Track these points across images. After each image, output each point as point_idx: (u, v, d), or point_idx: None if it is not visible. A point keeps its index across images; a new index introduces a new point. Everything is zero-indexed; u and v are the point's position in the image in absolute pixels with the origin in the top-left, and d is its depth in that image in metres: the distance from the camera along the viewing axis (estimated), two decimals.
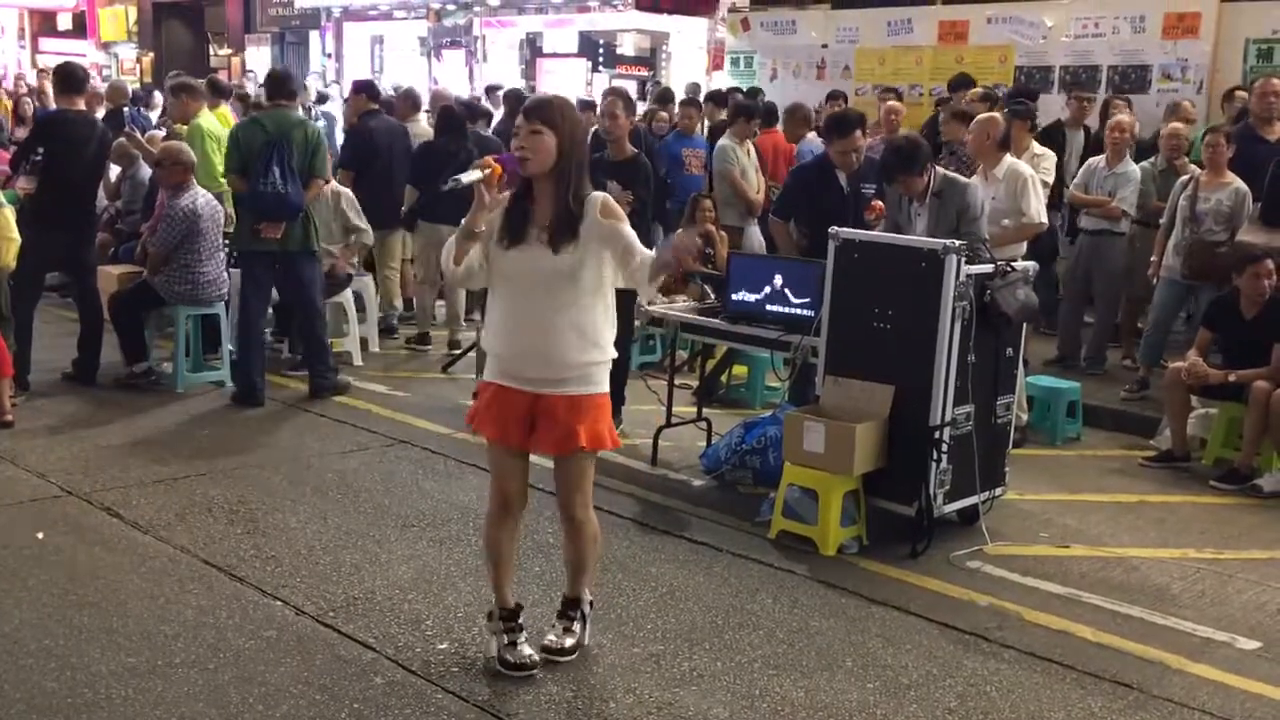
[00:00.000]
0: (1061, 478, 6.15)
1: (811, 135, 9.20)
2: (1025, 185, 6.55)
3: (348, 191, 7.94)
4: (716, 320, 5.88)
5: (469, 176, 3.45)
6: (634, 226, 6.42)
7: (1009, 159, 6.77)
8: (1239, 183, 7.17)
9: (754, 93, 10.95)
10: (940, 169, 5.91)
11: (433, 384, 7.61)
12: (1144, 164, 7.95)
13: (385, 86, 13.47)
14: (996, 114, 7.05)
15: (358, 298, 8.23)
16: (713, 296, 6.46)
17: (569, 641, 3.84)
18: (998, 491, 5.30)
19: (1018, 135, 7.28)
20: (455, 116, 8.51)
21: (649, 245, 3.60)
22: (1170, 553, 5.10)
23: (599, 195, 3.63)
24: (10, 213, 5.83)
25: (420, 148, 8.59)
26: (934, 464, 4.88)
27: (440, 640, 3.96)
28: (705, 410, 6.44)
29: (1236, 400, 6.16)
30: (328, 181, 7.36)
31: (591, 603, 3.95)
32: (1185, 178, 7.31)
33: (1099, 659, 4.02)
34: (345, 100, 10.91)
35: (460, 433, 6.45)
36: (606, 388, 3.69)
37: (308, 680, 3.65)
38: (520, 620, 3.82)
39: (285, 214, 6.67)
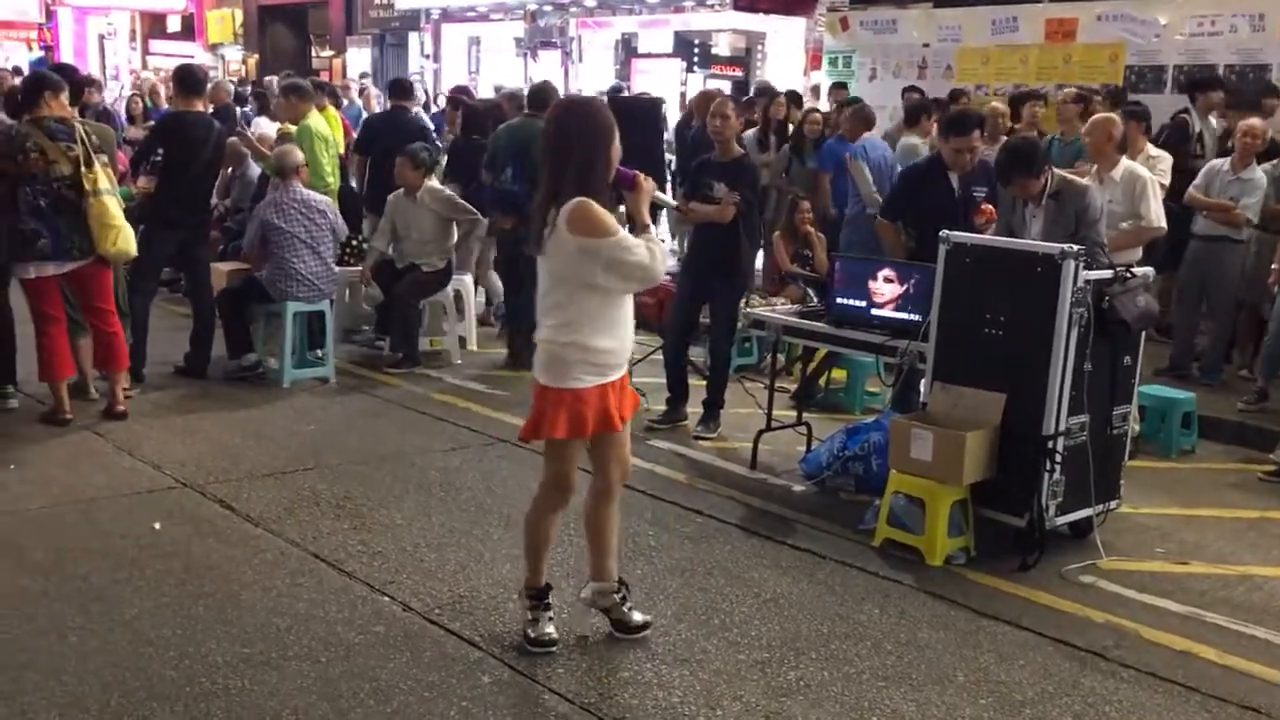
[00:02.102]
0: (1177, 491, 5.94)
1: (868, 134, 8.98)
2: (1144, 188, 6.36)
3: (435, 186, 7.98)
4: (820, 324, 5.80)
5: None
6: (742, 227, 6.47)
7: (1126, 161, 6.58)
8: None
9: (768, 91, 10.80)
10: (1058, 170, 5.75)
11: (530, 384, 7.62)
12: (1265, 166, 7.64)
13: (484, 87, 13.61)
14: (1115, 115, 6.84)
15: (456, 296, 8.32)
16: (815, 299, 6.39)
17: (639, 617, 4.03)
18: (1112, 505, 5.14)
19: (1133, 137, 7.07)
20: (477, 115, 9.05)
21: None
22: None
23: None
24: (112, 201, 5.99)
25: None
26: (1046, 474, 4.75)
27: None
28: (805, 414, 6.36)
29: None
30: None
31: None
32: None
33: (1224, 681, 3.87)
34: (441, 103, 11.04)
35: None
36: None
37: (416, 677, 3.68)
38: (550, 599, 4.00)
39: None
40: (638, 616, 4.04)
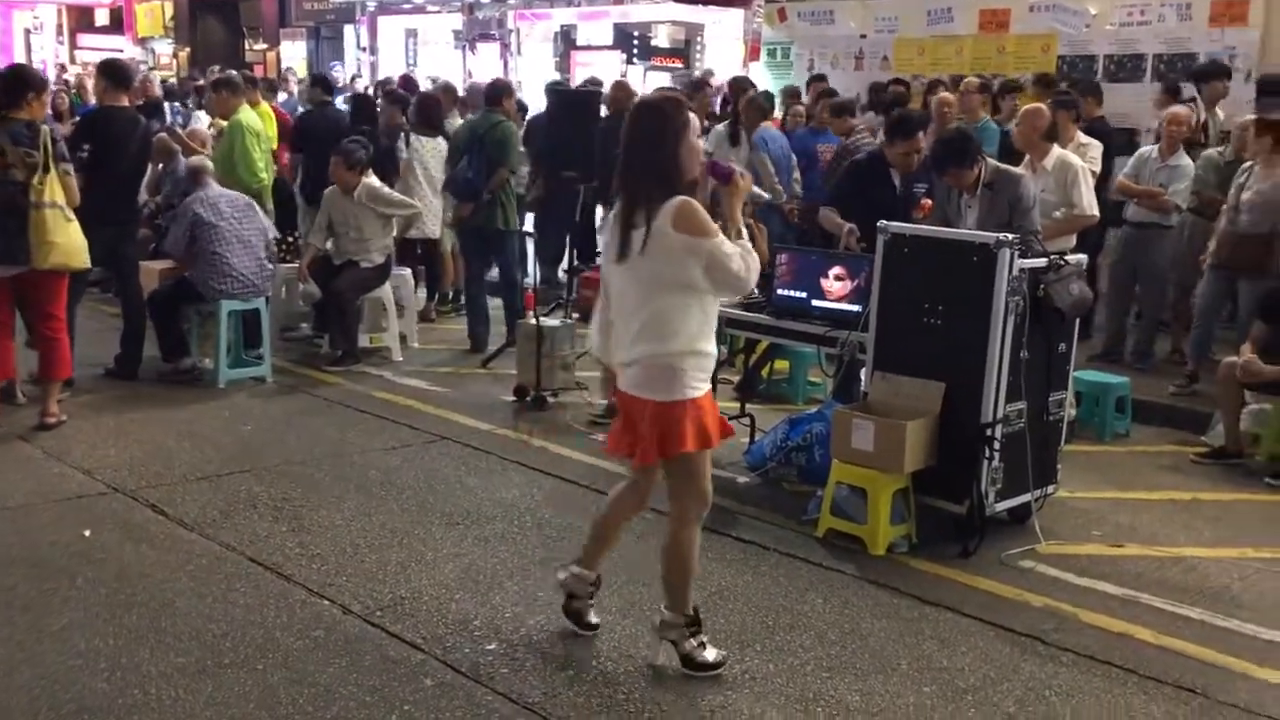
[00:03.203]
0: (1112, 475, 6.04)
1: (766, 124, 9.01)
2: (1076, 176, 6.45)
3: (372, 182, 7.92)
4: (762, 315, 5.81)
5: None
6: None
7: (1057, 150, 6.66)
8: None
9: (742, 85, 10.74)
10: (991, 160, 5.80)
11: (473, 380, 7.58)
12: (1210, 152, 7.76)
13: (421, 80, 13.48)
14: (1043, 105, 6.92)
15: (397, 292, 8.23)
16: (755, 291, 6.37)
17: (709, 654, 3.79)
18: (1050, 489, 5.21)
19: (1063, 125, 7.16)
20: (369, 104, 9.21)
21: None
22: (1228, 552, 4.98)
23: None
24: (55, 215, 5.85)
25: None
26: (986, 462, 4.79)
27: (489, 641, 3.92)
28: (749, 406, 6.37)
29: None
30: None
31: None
32: (1245, 166, 7.14)
33: (1160, 663, 3.93)
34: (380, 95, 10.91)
35: (502, 429, 6.44)
36: None
37: (357, 681, 3.62)
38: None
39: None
40: (709, 653, 3.80)
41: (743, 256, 3.49)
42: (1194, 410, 6.91)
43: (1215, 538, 5.18)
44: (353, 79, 17.59)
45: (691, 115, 3.60)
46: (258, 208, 7.50)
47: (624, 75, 14.46)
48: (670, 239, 3.46)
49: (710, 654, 3.75)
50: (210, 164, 7.81)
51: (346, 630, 3.97)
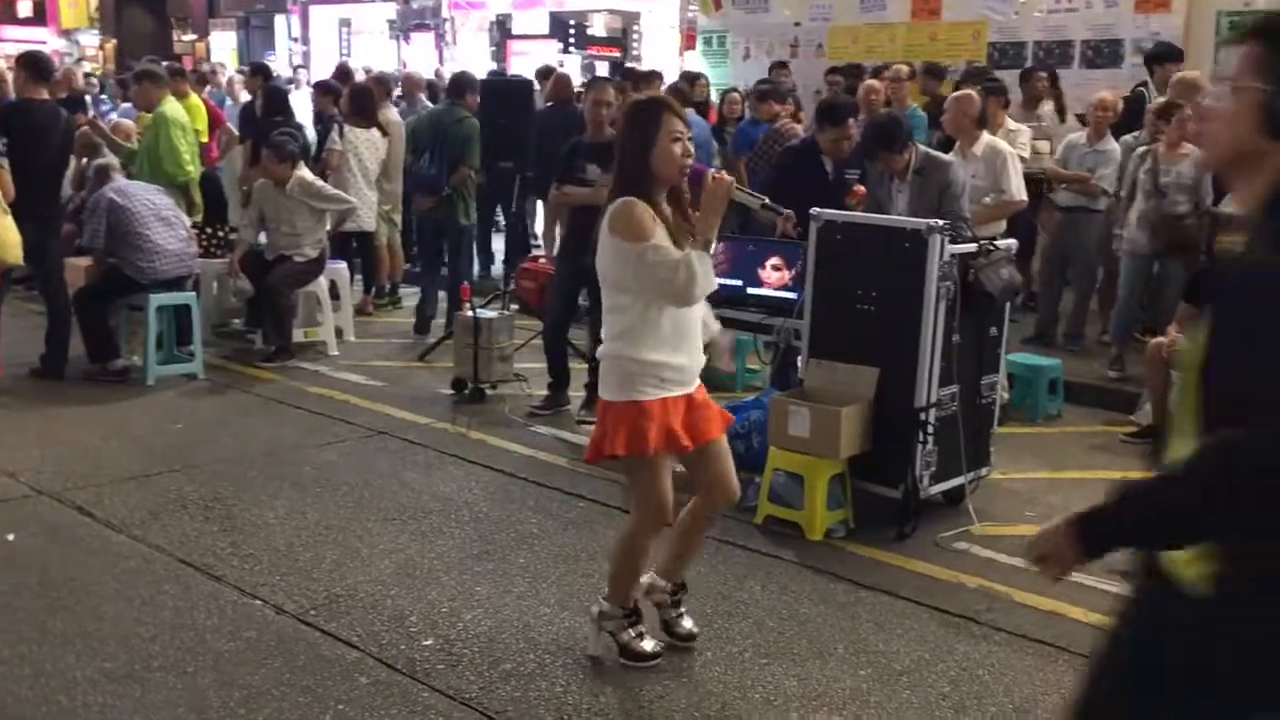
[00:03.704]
0: (1045, 455, 6.13)
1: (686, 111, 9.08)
2: (1005, 162, 6.53)
3: (305, 175, 7.84)
4: None
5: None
6: None
7: (987, 136, 6.74)
8: (1199, 153, 7.14)
9: (693, 78, 10.78)
10: (922, 146, 5.85)
11: (410, 373, 7.51)
12: (1127, 138, 7.91)
13: (356, 70, 13.28)
14: (973, 91, 6.99)
15: (332, 286, 8.13)
16: None
17: (647, 645, 3.78)
18: (983, 472, 5.28)
19: (992, 112, 7.24)
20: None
21: None
22: None
23: None
24: None
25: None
26: (920, 446, 4.84)
27: (425, 637, 3.89)
28: None
29: None
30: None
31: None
32: (1141, 150, 7.27)
33: (1091, 639, 3.95)
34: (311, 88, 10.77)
35: (440, 422, 6.38)
36: None
37: (290, 682, 3.57)
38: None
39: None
40: (686, 624, 3.88)
41: (683, 264, 3.32)
42: (1123, 390, 7.04)
43: None
44: (296, 69, 17.29)
45: (670, 118, 3.47)
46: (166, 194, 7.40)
47: (561, 65, 14.43)
48: (607, 241, 3.46)
49: (648, 644, 3.75)
50: (116, 164, 7.70)
51: (279, 630, 3.92)
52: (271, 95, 9.40)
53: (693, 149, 3.52)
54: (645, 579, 3.85)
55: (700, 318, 3.66)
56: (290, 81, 15.15)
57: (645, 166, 3.46)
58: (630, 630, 3.74)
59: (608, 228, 3.44)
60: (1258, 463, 1.69)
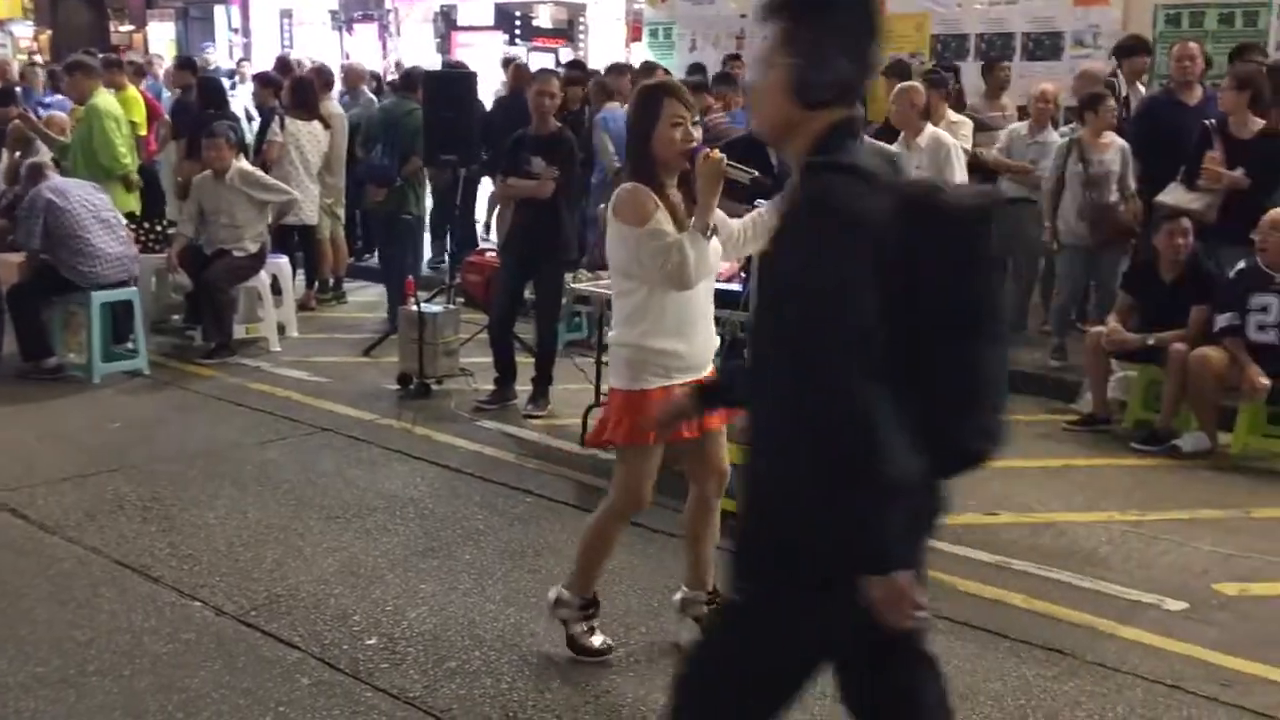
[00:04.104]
0: None
1: (612, 104, 9.06)
2: (949, 154, 6.58)
3: (244, 165, 7.76)
4: None
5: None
6: (563, 202, 6.43)
7: (930, 128, 6.78)
8: (1121, 141, 7.26)
9: (651, 68, 10.74)
10: (868, 139, 5.86)
11: (355, 368, 7.43)
12: (1064, 128, 8.00)
13: (300, 62, 13.10)
14: (918, 84, 7.03)
15: (274, 281, 8.02)
16: None
17: (595, 640, 3.74)
18: None
19: (935, 104, 7.29)
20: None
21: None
22: (1096, 516, 5.16)
23: None
24: None
25: None
26: None
27: (369, 636, 3.84)
28: None
29: (1154, 362, 6.26)
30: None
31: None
32: (1064, 141, 7.36)
33: (1031, 626, 4.05)
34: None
35: (385, 418, 6.32)
36: None
37: (230, 684, 3.51)
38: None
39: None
40: (595, 639, 3.80)
41: (675, 248, 3.29)
42: (1064, 379, 7.13)
43: (1085, 503, 5.35)
44: (240, 63, 17.01)
45: (670, 103, 3.44)
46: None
47: (515, 58, 14.34)
48: (612, 226, 3.46)
49: (596, 640, 3.74)
50: (49, 161, 7.53)
51: (219, 632, 3.85)
52: (206, 86, 9.27)
53: (698, 133, 3.46)
54: (678, 596, 3.84)
55: (705, 302, 3.58)
56: (233, 74, 14.92)
57: (648, 151, 3.46)
58: (583, 624, 3.73)
59: (612, 213, 3.46)
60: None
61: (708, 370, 3.56)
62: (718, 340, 3.67)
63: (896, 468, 1.89)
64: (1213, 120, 6.92)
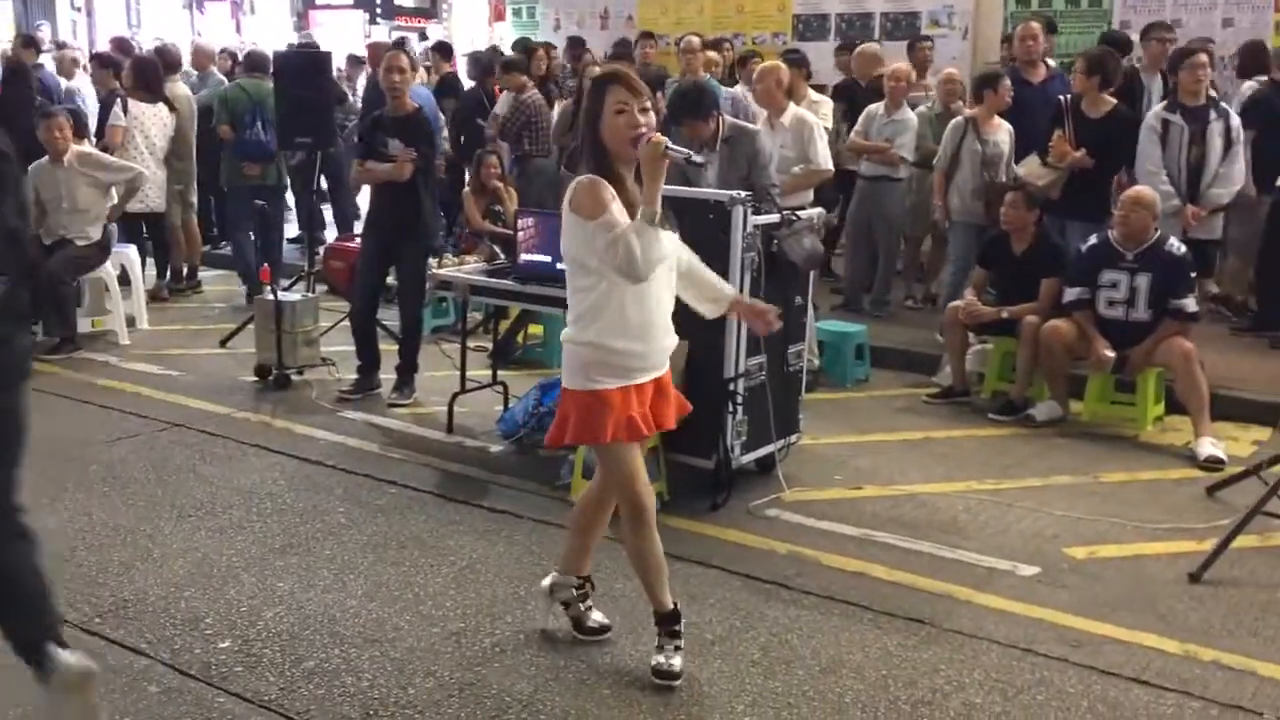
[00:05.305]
0: (852, 419, 6.30)
1: (416, 83, 9.07)
2: (812, 133, 6.64)
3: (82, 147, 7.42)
4: (506, 281, 5.71)
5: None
6: (422, 184, 6.28)
7: (794, 108, 6.84)
8: (1007, 125, 7.47)
9: (531, 48, 10.62)
10: (729, 117, 5.86)
11: (210, 360, 7.16)
12: (922, 108, 8.17)
13: (144, 42, 12.55)
14: (780, 63, 7.08)
15: (123, 272, 7.67)
16: (503, 256, 6.29)
17: (675, 663, 3.52)
18: (793, 438, 5.38)
19: (796, 83, 7.35)
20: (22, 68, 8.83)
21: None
22: (955, 486, 5.29)
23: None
24: None
25: None
26: (730, 416, 4.89)
27: (222, 639, 3.69)
28: (502, 373, 6.28)
29: (1009, 335, 6.45)
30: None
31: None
32: (959, 120, 7.54)
33: (893, 597, 4.12)
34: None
35: (241, 411, 6.10)
36: None
37: None
38: (678, 627, 3.60)
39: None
40: (597, 617, 3.79)
41: (621, 239, 3.15)
42: (927, 354, 7.30)
43: (944, 473, 5.48)
44: (61, 46, 16.13)
45: (615, 89, 3.29)
46: None
47: (368, 36, 14.02)
48: (568, 218, 3.32)
49: (597, 617, 3.78)
50: None
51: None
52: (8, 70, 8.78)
53: (646, 119, 3.27)
54: (547, 580, 3.82)
55: (665, 300, 3.43)
56: (59, 48, 14.13)
57: (599, 143, 3.33)
58: (582, 603, 3.75)
59: (567, 204, 3.32)
60: None
61: (664, 370, 3.49)
62: (675, 339, 3.51)
63: None
64: (1067, 98, 7.16)
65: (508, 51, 10.43)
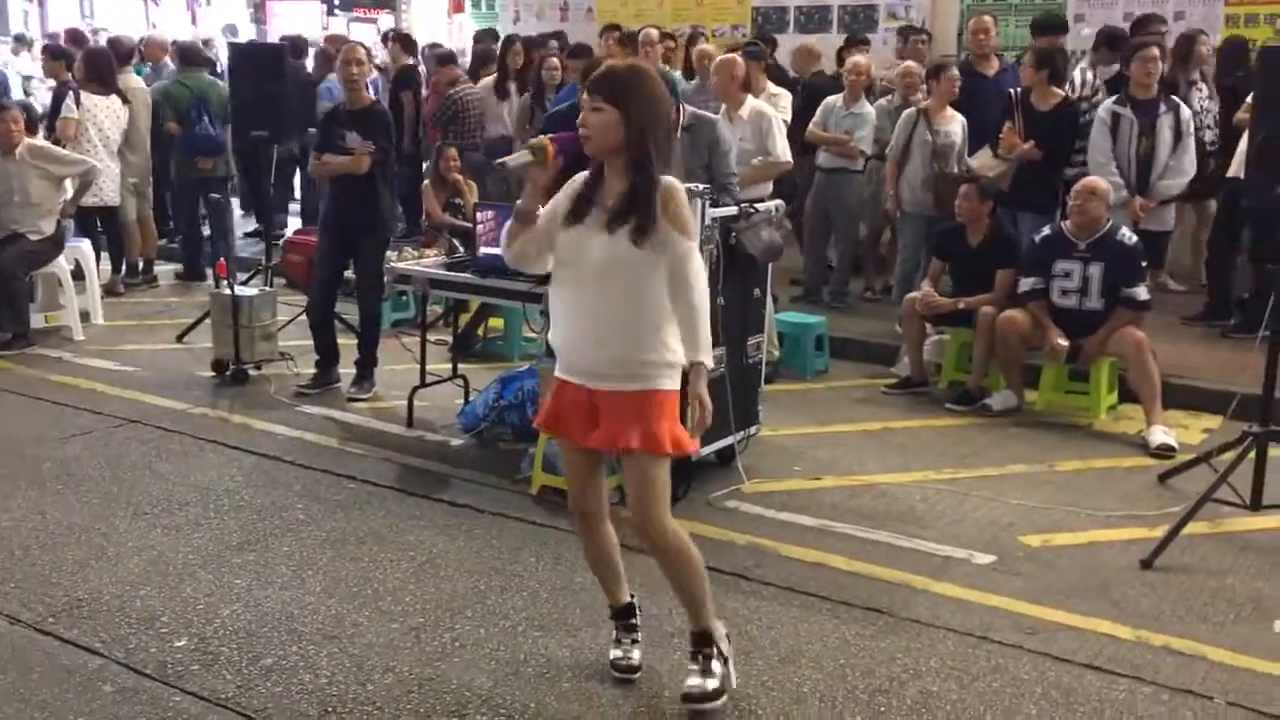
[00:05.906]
0: (812, 410, 6.34)
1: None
2: (770, 125, 6.66)
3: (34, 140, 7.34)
4: (465, 274, 5.69)
5: (517, 159, 3.20)
6: (380, 177, 6.25)
7: (752, 100, 6.86)
8: (960, 116, 7.54)
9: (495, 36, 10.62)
10: (689, 106, 5.86)
11: (166, 355, 7.08)
12: (880, 101, 8.21)
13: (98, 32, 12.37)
14: (737, 56, 7.09)
15: (77, 266, 7.57)
16: (461, 250, 6.26)
17: (710, 684, 3.34)
18: (752, 430, 5.40)
19: (754, 76, 7.37)
20: None
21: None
22: (913, 476, 5.34)
23: (668, 181, 3.18)
24: None
25: None
26: (689, 408, 4.88)
27: (178, 637, 3.66)
28: (462, 366, 6.27)
29: (966, 326, 6.51)
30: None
31: (728, 636, 3.46)
32: (911, 110, 7.59)
33: (852, 587, 4.15)
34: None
35: (198, 407, 6.05)
36: (669, 386, 3.25)
37: (25, 697, 3.29)
38: (635, 620, 3.60)
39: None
40: (636, 656, 3.64)
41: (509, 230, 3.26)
42: (886, 345, 7.36)
43: (902, 463, 5.53)
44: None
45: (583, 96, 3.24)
46: None
47: (326, 28, 13.89)
48: None
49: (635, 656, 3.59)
50: None
51: (13, 641, 3.61)
52: None
53: (586, 119, 3.16)
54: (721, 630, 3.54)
55: (608, 313, 3.18)
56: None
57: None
58: (613, 634, 3.62)
59: None
60: None
61: (606, 387, 3.21)
62: (616, 357, 3.19)
63: None
64: (1017, 91, 7.23)
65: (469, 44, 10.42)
